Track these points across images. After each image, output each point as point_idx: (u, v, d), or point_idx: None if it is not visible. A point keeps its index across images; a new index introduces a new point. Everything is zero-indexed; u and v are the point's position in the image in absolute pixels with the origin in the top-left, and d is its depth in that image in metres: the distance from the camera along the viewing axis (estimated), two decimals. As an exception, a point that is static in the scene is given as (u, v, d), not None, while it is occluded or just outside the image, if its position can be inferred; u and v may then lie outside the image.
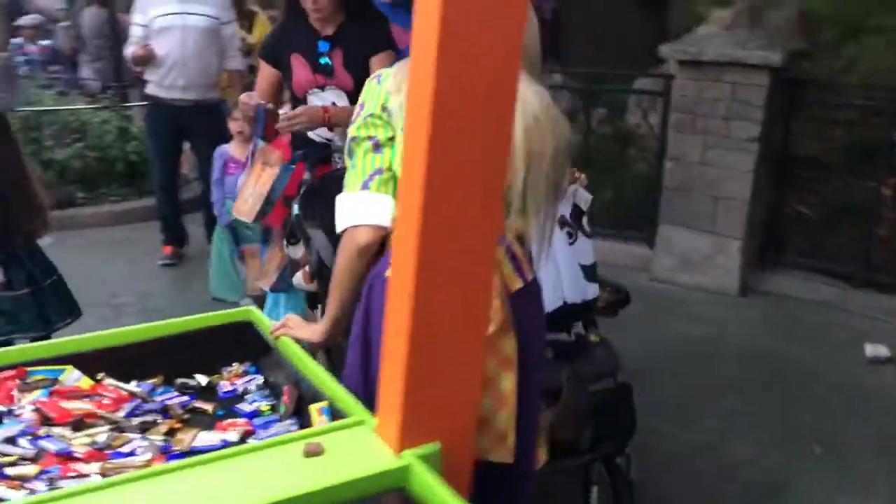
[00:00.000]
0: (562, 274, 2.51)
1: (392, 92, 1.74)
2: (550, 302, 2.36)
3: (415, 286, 1.36)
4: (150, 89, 5.40)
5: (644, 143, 6.09)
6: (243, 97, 3.19)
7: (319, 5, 3.07)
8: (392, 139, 1.74)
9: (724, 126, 5.05)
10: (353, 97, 3.05)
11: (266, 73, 3.34)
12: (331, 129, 3.17)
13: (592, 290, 2.61)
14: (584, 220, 2.64)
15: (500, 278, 1.72)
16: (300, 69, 3.19)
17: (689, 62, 5.08)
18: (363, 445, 1.53)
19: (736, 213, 5.12)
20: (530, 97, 1.70)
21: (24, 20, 10.20)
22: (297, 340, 2.00)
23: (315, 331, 1.94)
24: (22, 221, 2.91)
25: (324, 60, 3.14)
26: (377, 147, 1.75)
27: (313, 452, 1.50)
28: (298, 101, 3.26)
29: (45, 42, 10.40)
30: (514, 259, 1.77)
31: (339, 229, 1.78)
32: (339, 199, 1.79)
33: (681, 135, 5.23)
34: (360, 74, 3.02)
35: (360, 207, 1.75)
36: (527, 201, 1.72)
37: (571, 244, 2.56)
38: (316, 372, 1.88)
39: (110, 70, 8.47)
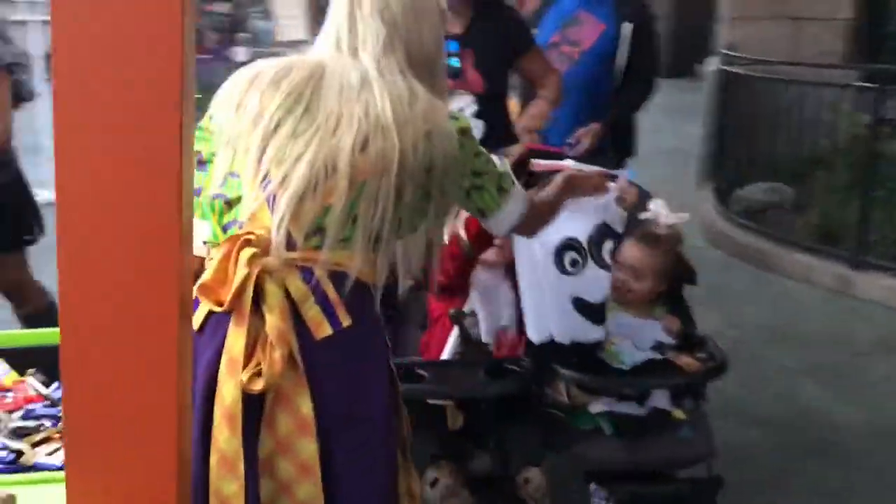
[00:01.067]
0: (548, 304, 2.04)
1: (220, 103, 1.54)
2: (535, 333, 1.99)
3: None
4: None
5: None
6: None
7: None
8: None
9: None
10: (483, 101, 2.85)
11: None
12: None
13: (596, 334, 2.10)
14: (609, 247, 2.14)
15: (292, 323, 1.42)
16: None
17: None
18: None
19: None
20: (376, 100, 1.45)
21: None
22: None
23: None
24: None
25: (453, 61, 2.86)
26: (200, 164, 1.58)
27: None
28: None
29: None
30: (324, 300, 1.45)
31: None
32: None
33: None
34: (491, 75, 2.85)
35: None
36: (356, 230, 1.45)
37: (570, 273, 2.06)
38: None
39: None
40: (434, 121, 1.49)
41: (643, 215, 2.38)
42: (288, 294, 1.42)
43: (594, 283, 2.07)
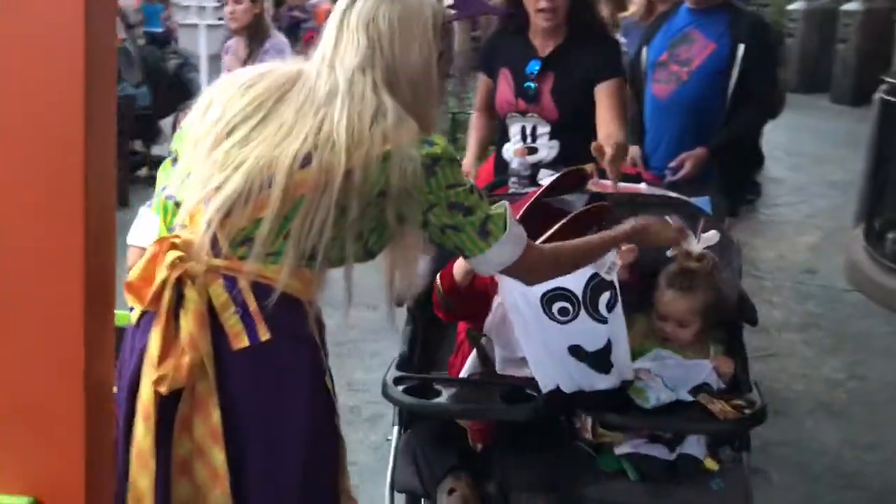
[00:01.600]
0: (542, 352, 1.90)
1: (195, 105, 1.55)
2: (541, 381, 1.87)
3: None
4: None
5: None
6: None
7: (556, 2, 2.60)
8: None
9: None
10: (557, 130, 2.71)
11: (482, 84, 3.00)
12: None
13: (604, 383, 1.91)
14: (606, 298, 1.93)
15: (209, 330, 1.39)
16: (504, 87, 2.80)
17: None
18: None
19: None
20: (334, 116, 1.40)
21: None
22: None
23: None
24: None
25: (530, 84, 2.72)
26: (174, 162, 1.60)
27: None
28: (498, 119, 2.89)
29: None
30: (244, 311, 1.40)
31: None
32: None
33: None
34: (569, 104, 2.68)
35: (135, 224, 1.70)
36: (288, 245, 1.39)
37: (561, 322, 1.89)
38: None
39: None
40: (396, 142, 1.42)
41: (670, 251, 2.19)
42: (211, 301, 1.41)
43: (591, 332, 1.91)
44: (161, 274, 1.41)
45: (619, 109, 2.68)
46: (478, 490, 1.95)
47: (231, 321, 1.42)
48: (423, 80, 1.52)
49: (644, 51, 3.35)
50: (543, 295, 1.84)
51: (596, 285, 1.88)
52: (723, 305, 2.22)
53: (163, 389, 1.38)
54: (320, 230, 1.40)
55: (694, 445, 1.97)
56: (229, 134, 1.45)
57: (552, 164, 2.68)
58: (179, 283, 1.41)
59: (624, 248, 2.00)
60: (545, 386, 1.87)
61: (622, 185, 2.52)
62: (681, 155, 3.08)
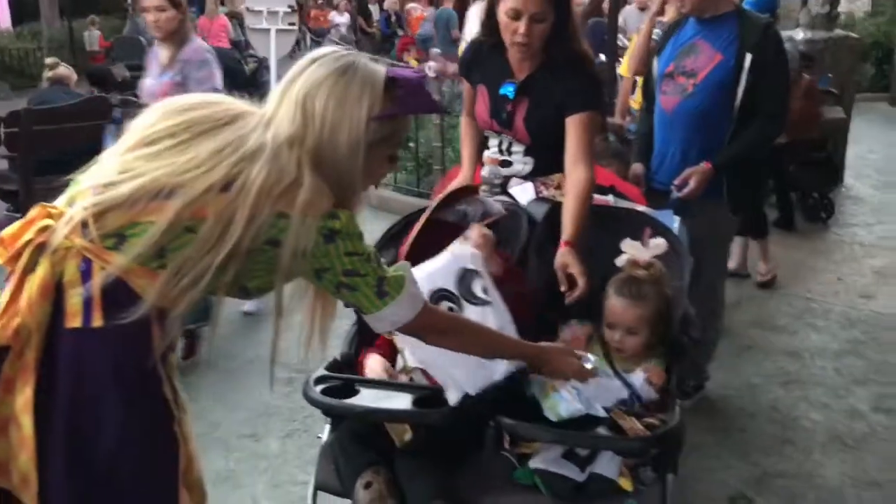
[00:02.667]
0: (440, 360, 1.87)
1: None
2: (451, 394, 1.86)
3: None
4: None
5: None
6: None
7: (531, 38, 2.42)
8: None
9: None
10: (532, 150, 2.60)
11: (466, 90, 2.85)
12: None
13: (501, 366, 1.88)
14: (480, 285, 1.96)
15: (49, 303, 1.43)
16: (481, 105, 2.69)
17: None
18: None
19: None
20: (252, 175, 1.44)
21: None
22: None
23: None
24: None
25: (503, 110, 2.59)
26: None
27: None
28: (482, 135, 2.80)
29: None
30: (88, 294, 1.44)
31: None
32: None
33: None
34: (542, 132, 2.55)
35: None
36: (167, 256, 1.43)
37: None
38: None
39: None
40: (300, 209, 1.45)
41: (618, 260, 2.19)
42: (61, 277, 1.45)
43: (478, 318, 1.94)
44: (27, 236, 1.47)
45: (587, 145, 2.49)
46: (397, 486, 1.93)
47: (73, 300, 1.45)
48: (347, 166, 1.54)
49: (654, 62, 3.27)
50: (430, 298, 1.87)
51: (464, 276, 1.93)
52: (669, 319, 2.17)
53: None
54: (200, 257, 1.44)
55: (606, 464, 1.89)
56: (149, 144, 1.50)
57: (526, 177, 2.64)
58: (42, 251, 1.46)
59: (479, 234, 2.13)
60: (455, 397, 1.85)
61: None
62: (685, 171, 3.02)
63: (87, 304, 1.46)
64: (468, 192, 2.45)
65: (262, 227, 1.45)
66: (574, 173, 2.43)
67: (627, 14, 8.03)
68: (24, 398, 1.46)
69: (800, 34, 7.16)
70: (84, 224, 1.46)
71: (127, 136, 1.55)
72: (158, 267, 1.47)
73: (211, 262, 1.44)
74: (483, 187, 2.63)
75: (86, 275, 1.47)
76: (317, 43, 19.08)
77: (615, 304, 2.18)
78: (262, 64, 7.13)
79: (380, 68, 1.60)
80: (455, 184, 2.73)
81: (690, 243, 3.16)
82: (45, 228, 1.48)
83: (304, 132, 1.51)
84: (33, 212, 1.52)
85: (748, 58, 2.94)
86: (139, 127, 1.55)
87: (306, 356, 1.65)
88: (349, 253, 1.54)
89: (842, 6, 8.34)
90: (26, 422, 1.46)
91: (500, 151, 2.69)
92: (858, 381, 3.83)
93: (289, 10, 6.76)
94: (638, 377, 2.05)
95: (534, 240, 2.42)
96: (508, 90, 2.57)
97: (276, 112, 1.53)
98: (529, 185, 2.57)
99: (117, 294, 1.46)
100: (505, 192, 2.61)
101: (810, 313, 4.67)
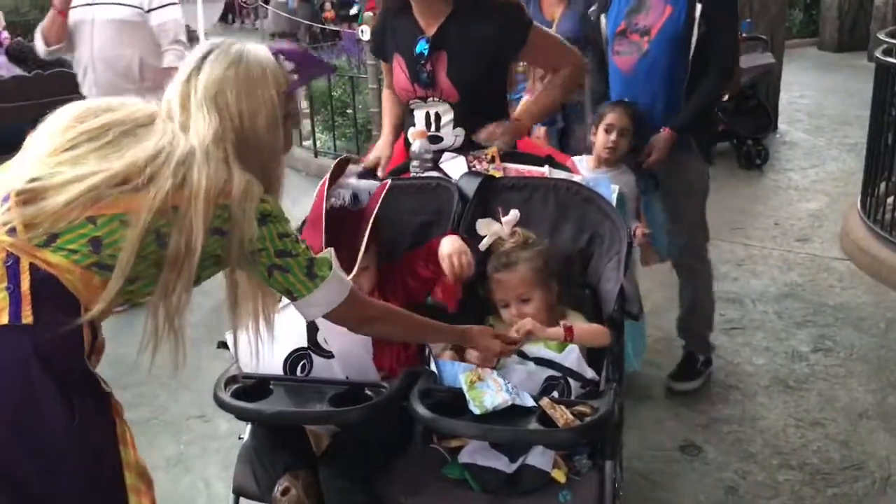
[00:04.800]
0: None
1: None
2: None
3: None
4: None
5: None
6: None
7: None
8: None
9: None
10: (461, 115, 2.44)
11: (386, 67, 2.69)
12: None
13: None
14: (322, 336, 1.89)
15: None
16: (399, 74, 2.51)
17: None
18: None
19: None
20: (193, 180, 1.44)
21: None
22: None
23: None
24: None
25: (422, 70, 2.42)
26: None
27: None
28: (405, 106, 2.63)
29: None
30: (15, 289, 1.37)
31: None
32: None
33: None
34: (468, 83, 2.39)
35: None
36: (102, 252, 1.40)
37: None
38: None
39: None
40: (237, 200, 1.47)
41: (481, 244, 2.14)
42: None
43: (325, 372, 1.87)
44: None
45: (555, 51, 2.57)
46: (315, 488, 1.79)
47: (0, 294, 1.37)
48: (270, 146, 1.57)
49: (602, 20, 3.09)
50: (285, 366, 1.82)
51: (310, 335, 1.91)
52: (603, 296, 2.08)
53: None
54: (133, 250, 1.41)
55: (539, 455, 1.76)
56: (69, 149, 1.46)
57: (457, 151, 2.48)
58: None
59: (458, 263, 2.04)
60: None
61: (520, 167, 2.40)
62: (650, 142, 2.93)
63: (15, 299, 1.38)
64: (345, 163, 2.28)
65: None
66: (558, 71, 2.55)
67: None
68: None
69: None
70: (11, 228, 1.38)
71: (39, 139, 1.49)
72: (92, 265, 1.41)
73: (190, 273, 1.46)
74: (413, 163, 2.46)
75: (10, 268, 1.38)
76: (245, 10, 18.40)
77: (495, 280, 2.08)
78: (191, 35, 6.87)
79: (262, 47, 1.62)
80: (374, 154, 2.62)
81: (671, 208, 3.11)
82: None
83: (223, 129, 1.51)
84: None
85: (698, 7, 2.83)
86: (53, 130, 1.49)
87: (256, 346, 1.66)
88: (280, 235, 1.55)
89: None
90: None
91: (428, 125, 2.52)
92: (799, 324, 3.84)
93: None
94: (572, 354, 1.89)
95: (465, 216, 2.26)
96: (423, 47, 2.41)
97: (186, 115, 1.53)
98: (462, 160, 2.42)
99: (48, 291, 1.39)
100: (436, 167, 2.45)
101: (751, 260, 4.72)
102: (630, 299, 2.07)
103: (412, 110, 2.56)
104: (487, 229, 2.14)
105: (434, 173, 2.43)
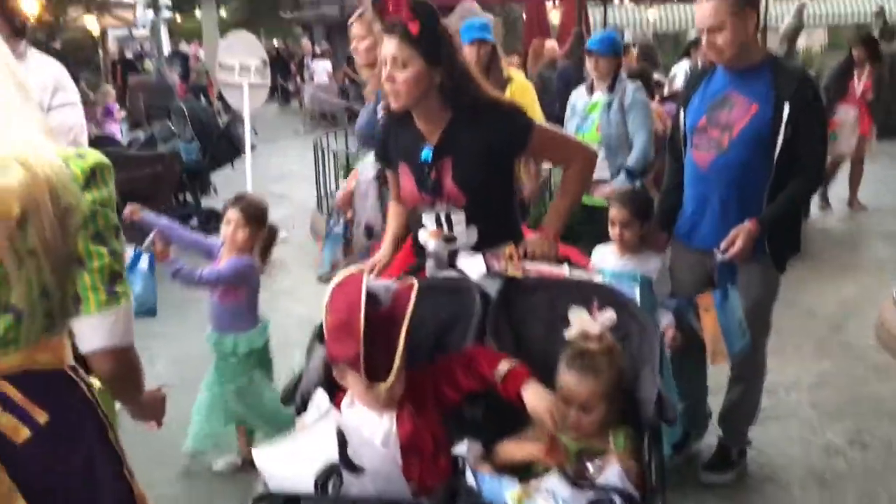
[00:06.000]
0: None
1: None
2: None
3: None
4: None
5: None
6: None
7: (395, 84, 2.31)
8: None
9: None
10: (472, 215, 2.43)
11: (390, 175, 2.69)
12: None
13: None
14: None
15: None
16: (405, 181, 2.52)
17: None
18: None
19: None
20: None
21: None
22: None
23: None
24: None
25: (427, 177, 2.43)
26: None
27: None
28: (412, 212, 2.62)
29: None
30: (13, 405, 1.35)
31: None
32: None
33: None
34: (474, 186, 2.40)
35: None
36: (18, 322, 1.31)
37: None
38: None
39: None
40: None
41: (568, 332, 2.05)
42: None
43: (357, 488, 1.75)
44: None
45: (560, 144, 2.64)
46: None
47: (3, 420, 1.38)
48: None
49: (681, 114, 3.06)
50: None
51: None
52: (641, 402, 2.00)
53: None
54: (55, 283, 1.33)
55: None
56: None
57: (475, 247, 2.46)
58: None
59: None
60: None
61: (539, 267, 2.37)
62: (731, 232, 2.77)
63: (19, 413, 1.38)
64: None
65: None
66: (570, 166, 2.56)
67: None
68: None
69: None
70: None
71: None
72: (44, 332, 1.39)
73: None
74: (429, 262, 2.41)
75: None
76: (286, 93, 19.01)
77: (568, 378, 1.98)
78: (236, 116, 7.14)
79: None
80: (374, 259, 2.61)
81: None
82: None
83: None
84: None
85: (786, 107, 2.74)
86: None
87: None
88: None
89: (800, 42, 8.51)
90: None
91: (440, 227, 2.50)
92: (833, 415, 3.78)
93: (261, 64, 6.80)
94: (613, 472, 1.82)
95: (489, 319, 2.18)
96: (426, 154, 2.42)
97: None
98: (479, 258, 2.37)
99: (33, 382, 1.41)
100: (453, 265, 2.41)
101: (782, 347, 4.67)
102: (668, 406, 1.99)
103: (420, 214, 2.56)
104: (578, 320, 2.07)
105: (452, 272, 2.39)
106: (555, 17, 12.80)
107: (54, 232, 1.30)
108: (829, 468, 3.36)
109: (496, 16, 6.87)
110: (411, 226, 2.65)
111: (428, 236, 2.49)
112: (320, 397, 1.97)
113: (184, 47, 22.76)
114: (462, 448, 1.90)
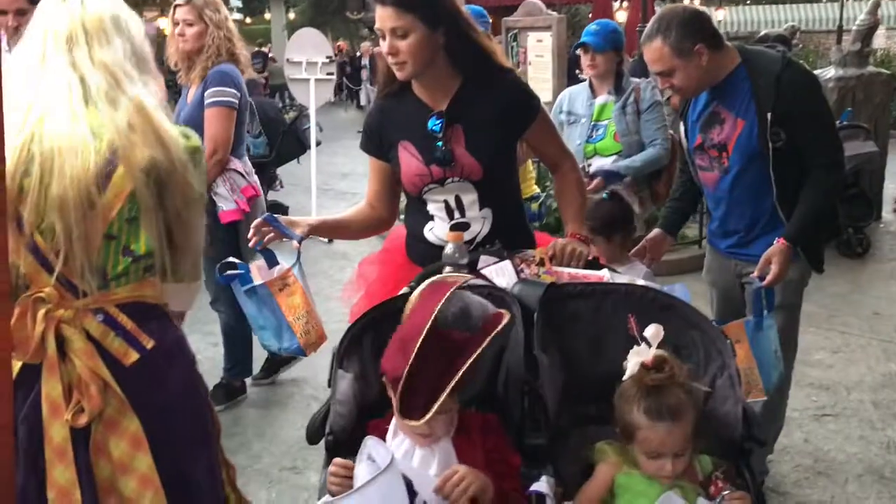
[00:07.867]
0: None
1: None
2: None
3: None
4: None
5: None
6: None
7: (398, 55, 2.18)
8: None
9: None
10: (485, 193, 2.30)
11: (375, 170, 2.46)
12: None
13: None
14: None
15: (100, 359, 1.58)
16: (408, 160, 2.31)
17: None
18: None
19: None
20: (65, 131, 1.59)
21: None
22: None
23: None
24: None
25: (438, 145, 2.26)
26: None
27: None
28: (412, 199, 2.42)
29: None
30: (124, 332, 1.62)
31: None
32: None
33: None
34: (490, 156, 2.26)
35: None
36: (127, 261, 1.63)
37: None
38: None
39: None
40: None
41: (627, 364, 1.73)
42: (91, 334, 1.58)
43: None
44: (39, 327, 1.55)
45: (557, 140, 2.52)
46: None
47: (115, 344, 1.62)
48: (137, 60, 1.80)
49: (681, 128, 2.97)
50: None
51: None
52: (720, 421, 1.76)
53: (83, 421, 1.56)
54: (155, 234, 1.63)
55: None
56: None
57: (489, 238, 2.29)
58: (57, 330, 1.57)
59: None
60: None
61: (574, 271, 2.14)
62: (763, 256, 2.65)
63: (129, 338, 1.63)
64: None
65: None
66: (561, 168, 2.47)
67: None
68: (127, 443, 1.62)
69: (831, 72, 7.18)
70: (68, 283, 1.60)
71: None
72: (146, 273, 1.66)
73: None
74: (447, 269, 2.00)
75: (107, 320, 1.62)
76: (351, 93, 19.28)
77: (653, 435, 1.66)
78: (302, 112, 7.35)
79: None
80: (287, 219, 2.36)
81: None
82: (47, 312, 1.58)
83: None
84: (18, 308, 1.57)
85: (769, 117, 2.62)
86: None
87: None
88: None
89: (880, 42, 8.29)
90: (142, 460, 1.62)
91: (450, 213, 2.33)
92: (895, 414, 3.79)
93: (327, 60, 6.99)
94: None
95: (536, 333, 1.81)
96: (435, 124, 2.27)
97: None
98: (507, 265, 2.08)
99: (141, 313, 1.65)
100: (475, 272, 2.01)
101: (849, 347, 4.62)
102: (756, 422, 1.76)
103: (425, 204, 2.37)
104: (634, 357, 1.73)
105: (478, 281, 1.93)
106: (621, 16, 12.74)
107: (183, 196, 1.64)
108: (888, 464, 3.32)
109: (560, 14, 6.90)
110: (408, 241, 2.50)
111: (446, 238, 2.19)
112: (373, 446, 1.60)
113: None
114: (542, 485, 1.62)
